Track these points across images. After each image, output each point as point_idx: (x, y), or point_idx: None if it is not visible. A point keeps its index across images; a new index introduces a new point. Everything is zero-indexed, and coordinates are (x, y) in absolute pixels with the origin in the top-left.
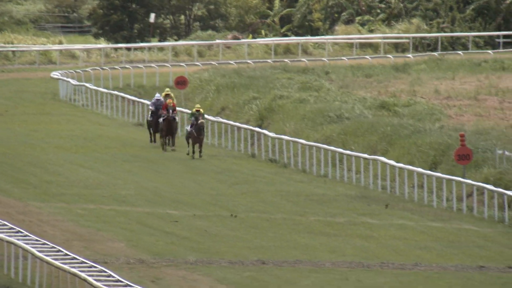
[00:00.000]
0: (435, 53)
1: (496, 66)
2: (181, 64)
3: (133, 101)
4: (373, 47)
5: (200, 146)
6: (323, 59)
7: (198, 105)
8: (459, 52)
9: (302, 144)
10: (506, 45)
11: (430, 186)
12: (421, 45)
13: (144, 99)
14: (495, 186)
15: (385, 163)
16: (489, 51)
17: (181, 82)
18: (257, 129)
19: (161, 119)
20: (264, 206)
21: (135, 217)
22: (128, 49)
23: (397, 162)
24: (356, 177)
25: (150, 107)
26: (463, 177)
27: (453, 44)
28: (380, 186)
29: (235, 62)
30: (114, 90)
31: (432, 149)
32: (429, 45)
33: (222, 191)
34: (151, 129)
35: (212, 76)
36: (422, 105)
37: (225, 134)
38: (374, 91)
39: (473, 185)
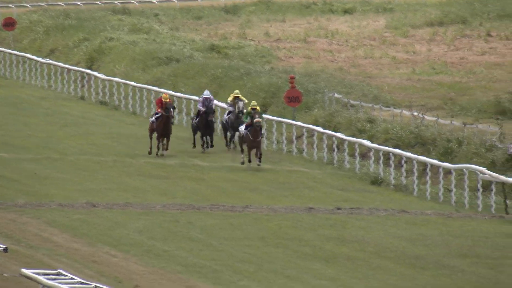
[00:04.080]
0: None
1: (325, 9)
2: (9, 5)
3: None
4: None
5: (258, 152)
6: (153, 1)
7: (254, 102)
8: None
9: (132, 86)
10: None
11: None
12: None
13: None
14: (324, 128)
15: (216, 105)
16: None
17: (9, 23)
18: (87, 71)
19: (153, 118)
20: (94, 149)
21: None
22: None
23: (228, 104)
24: (187, 119)
25: (199, 106)
26: (293, 119)
27: None
28: None
29: (64, 4)
30: None
31: (262, 91)
32: None
33: (52, 133)
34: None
35: (41, 17)
36: (252, 47)
37: (54, 76)
38: (204, 33)
39: (302, 127)
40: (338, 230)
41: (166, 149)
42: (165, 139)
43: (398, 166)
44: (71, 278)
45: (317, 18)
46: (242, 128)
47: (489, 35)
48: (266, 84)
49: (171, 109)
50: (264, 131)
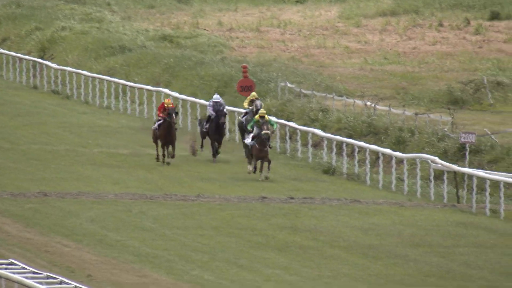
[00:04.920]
0: None
1: None
2: None
3: None
4: None
5: (266, 160)
6: None
7: (263, 110)
8: None
9: (85, 75)
10: None
11: None
12: None
13: None
14: (278, 118)
15: (169, 95)
16: None
17: None
18: (39, 60)
19: (156, 125)
20: (46, 138)
21: None
22: None
23: (180, 93)
24: (140, 109)
25: (210, 111)
26: (246, 109)
27: None
28: None
29: None
30: None
31: (215, 81)
32: None
33: (4, 123)
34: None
35: None
36: (205, 36)
37: (6, 65)
38: (157, 23)
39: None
40: (291, 219)
41: (172, 156)
42: (170, 146)
43: (350, 155)
44: (23, 268)
45: (269, 8)
46: (248, 140)
47: (441, 25)
48: (219, 73)
49: (174, 114)
50: (277, 136)
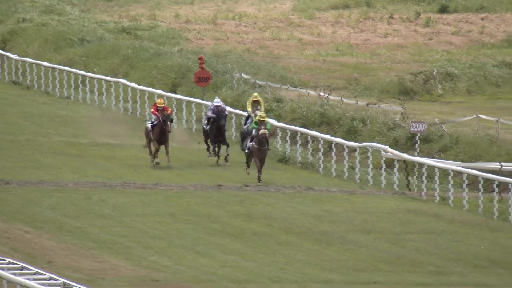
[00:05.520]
0: None
1: None
2: None
3: None
4: None
5: (262, 162)
6: None
7: (262, 114)
8: None
9: (45, 66)
10: None
11: (171, 108)
12: None
13: None
14: (233, 108)
15: (127, 85)
16: None
17: None
18: (0, 51)
19: (149, 125)
20: (7, 128)
21: None
22: None
23: (138, 84)
24: (99, 99)
25: (210, 113)
26: (202, 99)
27: None
28: (122, 108)
29: None
30: None
31: (172, 72)
32: None
33: None
34: (208, 140)
35: None
36: (162, 28)
37: None
38: (115, 15)
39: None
40: (246, 206)
41: (168, 160)
42: (165, 148)
43: (304, 144)
44: None
45: (225, 1)
46: (247, 143)
47: (392, 17)
48: (176, 65)
49: (168, 122)
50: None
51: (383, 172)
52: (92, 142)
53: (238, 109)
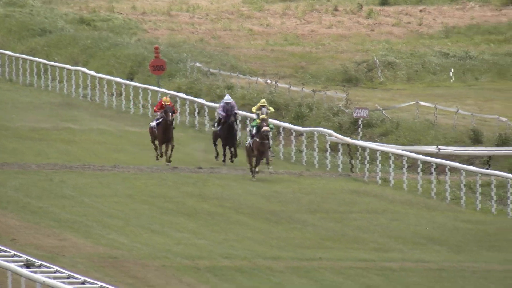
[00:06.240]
0: None
1: None
2: None
3: None
4: None
5: (263, 157)
6: None
7: (263, 116)
8: None
9: (9, 55)
10: None
11: (128, 95)
12: None
13: None
14: (187, 94)
15: (86, 73)
16: None
17: None
18: None
19: (154, 123)
20: None
21: None
22: None
23: (97, 72)
24: (60, 86)
25: (221, 113)
26: (158, 86)
27: None
28: (82, 95)
29: None
30: None
31: (129, 61)
32: None
33: None
34: (216, 142)
35: None
36: (120, 20)
37: None
38: (76, 7)
39: (166, 93)
40: (199, 187)
41: (168, 161)
42: (167, 147)
43: None
44: None
45: None
46: (248, 140)
47: (336, 9)
48: (133, 54)
49: (170, 113)
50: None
51: (328, 155)
52: (54, 126)
53: (191, 95)
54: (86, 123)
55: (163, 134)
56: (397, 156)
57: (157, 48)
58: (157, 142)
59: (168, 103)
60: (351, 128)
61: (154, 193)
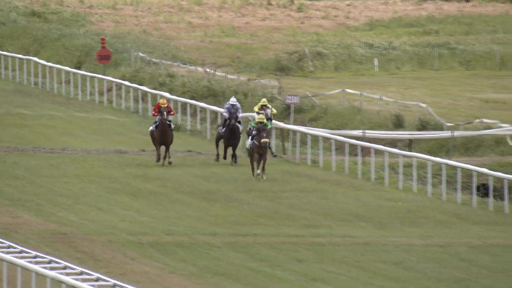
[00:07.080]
0: None
1: None
2: None
3: None
4: None
5: (262, 158)
6: None
7: (262, 116)
8: None
9: None
10: None
11: (76, 82)
12: None
13: None
14: (131, 82)
15: (38, 62)
16: None
17: None
18: None
19: (153, 127)
20: None
21: None
22: None
23: (48, 61)
24: (13, 75)
25: (224, 114)
26: (104, 75)
27: None
28: (33, 82)
29: None
30: None
31: (77, 51)
32: None
33: None
34: (218, 143)
35: None
36: (69, 13)
37: None
38: (27, 0)
39: (112, 81)
40: (143, 169)
41: (169, 163)
42: (165, 149)
43: (194, 114)
44: None
45: None
46: (248, 142)
47: (269, 3)
48: (81, 44)
49: (165, 113)
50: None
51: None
52: (7, 112)
53: (135, 83)
54: (37, 109)
55: (161, 135)
56: (326, 139)
57: (103, 39)
58: (157, 145)
59: (165, 105)
60: (284, 113)
61: (100, 174)
